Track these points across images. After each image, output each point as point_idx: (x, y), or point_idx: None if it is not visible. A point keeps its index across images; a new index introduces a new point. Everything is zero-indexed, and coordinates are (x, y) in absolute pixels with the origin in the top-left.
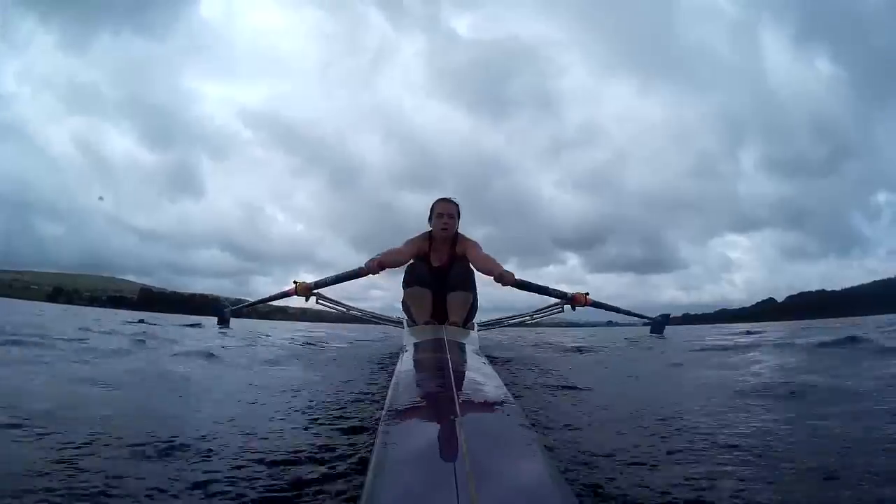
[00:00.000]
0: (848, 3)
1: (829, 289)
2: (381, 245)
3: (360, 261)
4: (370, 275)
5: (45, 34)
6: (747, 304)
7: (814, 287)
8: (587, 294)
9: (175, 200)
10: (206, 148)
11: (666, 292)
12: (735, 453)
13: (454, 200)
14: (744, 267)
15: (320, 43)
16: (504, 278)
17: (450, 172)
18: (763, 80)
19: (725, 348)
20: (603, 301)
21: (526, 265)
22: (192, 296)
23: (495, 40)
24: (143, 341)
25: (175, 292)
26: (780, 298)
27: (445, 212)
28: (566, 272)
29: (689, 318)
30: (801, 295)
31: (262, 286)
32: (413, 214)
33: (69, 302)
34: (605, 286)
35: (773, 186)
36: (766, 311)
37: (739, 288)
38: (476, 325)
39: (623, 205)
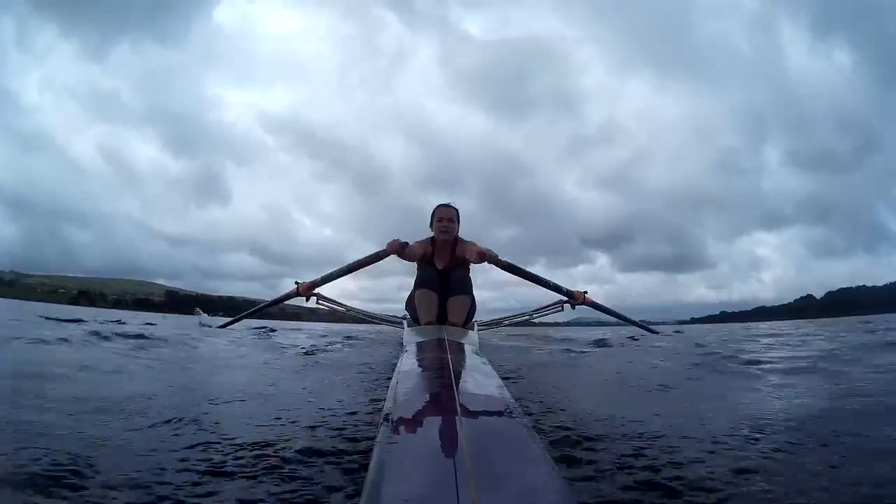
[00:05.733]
0: None
1: (869, 284)
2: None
3: (388, 263)
4: (386, 257)
5: (64, 43)
6: (783, 302)
7: (844, 284)
8: (585, 293)
9: (203, 206)
10: (230, 154)
11: (695, 291)
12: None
13: (453, 206)
14: (772, 265)
15: (337, 46)
16: (487, 256)
17: (473, 174)
18: (783, 74)
19: None
20: (601, 303)
21: (555, 265)
22: (220, 298)
23: (509, 39)
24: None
25: (202, 294)
26: (816, 295)
27: (445, 216)
28: (595, 272)
29: (729, 317)
30: (842, 291)
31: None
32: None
33: (92, 304)
34: (634, 286)
35: (798, 182)
36: (806, 308)
37: (769, 286)
38: (476, 325)
39: (648, 202)
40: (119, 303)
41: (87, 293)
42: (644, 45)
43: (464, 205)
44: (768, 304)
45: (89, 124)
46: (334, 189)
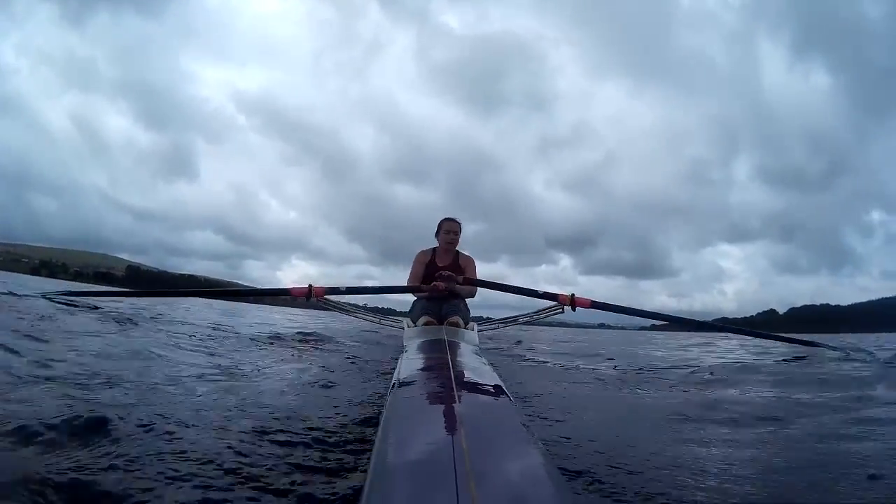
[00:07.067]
0: (847, 18)
1: (832, 303)
2: (375, 235)
3: (351, 250)
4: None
5: (45, 6)
6: (746, 315)
7: (806, 301)
8: (573, 295)
9: (170, 181)
10: (201, 130)
11: (657, 298)
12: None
13: (458, 220)
14: (735, 277)
15: (315, 29)
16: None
17: (441, 167)
18: (759, 89)
19: None
20: (601, 301)
21: (518, 263)
22: (182, 276)
23: (487, 35)
24: None
25: (164, 271)
26: (779, 310)
27: (451, 229)
28: (557, 273)
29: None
30: (805, 308)
31: (255, 270)
32: (405, 207)
33: (52, 276)
34: (597, 289)
35: (766, 198)
36: (768, 321)
37: (730, 298)
38: (476, 326)
39: (615, 207)
40: (80, 275)
41: (49, 264)
42: (621, 51)
43: (430, 197)
44: (730, 316)
45: (63, 92)
46: (303, 173)
